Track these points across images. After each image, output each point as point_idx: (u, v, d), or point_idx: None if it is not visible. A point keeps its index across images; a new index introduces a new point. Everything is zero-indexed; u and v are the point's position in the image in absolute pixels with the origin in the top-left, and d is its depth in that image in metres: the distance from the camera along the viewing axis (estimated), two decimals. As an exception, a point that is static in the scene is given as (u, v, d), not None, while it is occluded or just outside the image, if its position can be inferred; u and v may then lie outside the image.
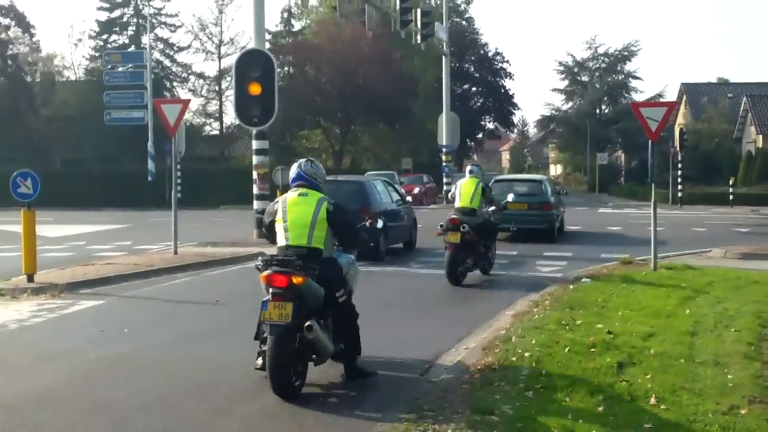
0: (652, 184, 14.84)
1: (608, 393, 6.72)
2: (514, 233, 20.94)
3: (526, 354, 7.84)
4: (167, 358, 8.43)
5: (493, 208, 14.72)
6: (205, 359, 8.35)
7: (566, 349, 7.98)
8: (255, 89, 19.18)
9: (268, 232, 7.70)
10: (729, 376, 7.23)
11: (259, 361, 7.25)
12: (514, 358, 7.77)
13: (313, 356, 7.27)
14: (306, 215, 7.31)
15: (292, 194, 7.50)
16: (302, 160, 7.80)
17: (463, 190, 14.00)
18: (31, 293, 12.47)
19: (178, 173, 39.91)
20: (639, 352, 7.97)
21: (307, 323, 6.90)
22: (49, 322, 10.50)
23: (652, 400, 6.53)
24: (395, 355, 8.51)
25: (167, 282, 14.01)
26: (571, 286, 12.34)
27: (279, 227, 7.42)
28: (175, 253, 17.00)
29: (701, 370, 7.42)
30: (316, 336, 6.95)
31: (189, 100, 20.86)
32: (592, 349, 8.03)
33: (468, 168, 14.92)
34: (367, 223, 8.90)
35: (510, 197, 17.32)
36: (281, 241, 7.39)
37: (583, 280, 13.02)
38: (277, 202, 7.59)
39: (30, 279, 13.10)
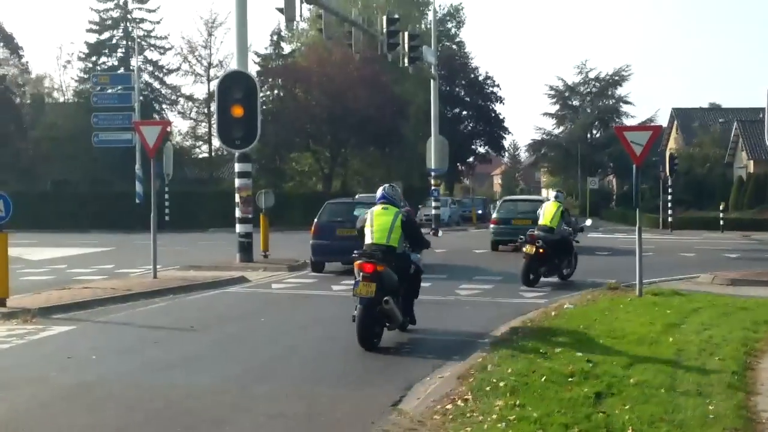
0: (637, 209, 14.61)
1: (584, 426, 6.45)
2: (517, 246, 21.85)
3: (502, 383, 7.58)
4: (131, 386, 8.15)
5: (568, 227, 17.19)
6: (170, 388, 8.07)
7: (543, 379, 7.72)
8: (237, 111, 18.98)
9: (359, 234, 10.65)
10: (711, 407, 6.97)
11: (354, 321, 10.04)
12: (488, 388, 7.51)
13: (387, 324, 10.19)
14: (387, 222, 10.31)
15: (377, 207, 10.56)
16: (386, 185, 11.16)
17: (546, 210, 16.86)
18: (2, 318, 12.15)
19: (166, 196, 40.34)
20: (619, 382, 7.70)
21: (385, 298, 9.82)
22: (15, 348, 10.20)
23: (629, 432, 6.28)
24: (366, 384, 8.26)
25: (144, 307, 13.70)
26: (553, 313, 12.09)
27: (368, 230, 10.38)
28: (155, 276, 16.71)
29: (682, 401, 7.16)
30: (390, 308, 9.92)
31: (170, 122, 20.79)
32: (570, 379, 7.77)
33: (553, 193, 18.29)
34: (432, 233, 12.13)
35: (588, 222, 20.85)
36: (368, 239, 10.32)
37: (566, 306, 12.76)
38: (367, 213, 10.61)
39: (2, 303, 12.78)
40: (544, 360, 8.55)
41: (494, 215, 26.82)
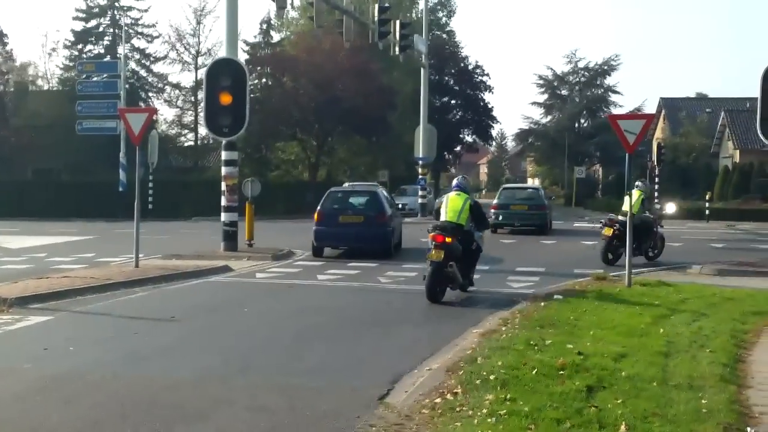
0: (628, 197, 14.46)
1: (576, 420, 6.26)
2: (514, 229, 28.00)
3: (491, 377, 7.38)
4: (109, 378, 7.92)
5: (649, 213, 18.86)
6: (149, 380, 7.84)
7: (534, 372, 7.53)
8: (225, 99, 18.67)
9: (435, 213, 14.33)
10: (703, 401, 6.80)
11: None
12: (478, 381, 7.31)
13: (450, 284, 12.88)
14: (458, 205, 13.21)
15: (452, 193, 13.54)
16: (460, 177, 14.33)
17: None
18: (-23, 308, 11.85)
19: (150, 184, 39.95)
20: (610, 375, 7.53)
21: (450, 263, 12.60)
22: (-9, 338, 9.95)
23: (622, 428, 6.08)
24: (352, 376, 8.05)
25: (123, 297, 13.42)
26: (542, 303, 11.90)
27: (443, 210, 13.33)
28: (137, 266, 16.43)
29: (675, 394, 6.99)
30: (453, 271, 12.70)
31: (155, 109, 20.53)
32: (561, 372, 7.58)
33: (637, 183, 18.55)
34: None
35: (671, 208, 23.63)
36: (443, 217, 13.22)
37: (555, 296, 12.59)
38: (443, 197, 13.86)
39: (-23, 293, 12.50)
40: (534, 352, 8.35)
41: (495, 201, 29.38)
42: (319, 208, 20.39)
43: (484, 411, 6.49)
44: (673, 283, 14.10)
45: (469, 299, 13.31)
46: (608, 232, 17.77)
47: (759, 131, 17.19)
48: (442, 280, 12.71)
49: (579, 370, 7.68)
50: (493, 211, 28.05)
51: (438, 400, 6.96)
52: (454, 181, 14.12)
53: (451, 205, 13.21)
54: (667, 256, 19.61)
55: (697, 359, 8.29)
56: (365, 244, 19.89)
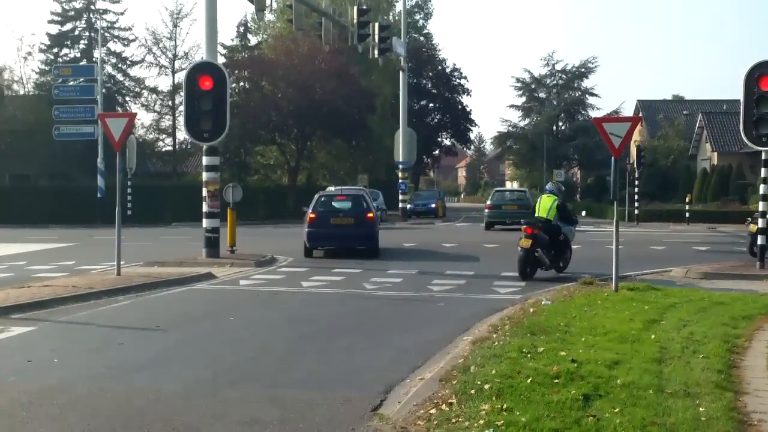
0: (615, 202, 14.40)
1: (575, 430, 6.19)
2: (506, 227, 31.95)
3: (486, 386, 7.28)
4: (96, 391, 7.74)
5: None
6: (137, 393, 7.67)
7: (528, 380, 7.43)
8: (206, 84, 18.42)
9: (533, 210, 17.98)
10: (701, 409, 6.74)
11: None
12: (473, 391, 7.20)
13: (539, 267, 16.39)
14: (547, 204, 16.78)
15: (545, 195, 17.19)
16: (551, 182, 18.39)
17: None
18: (-44, 319, 11.61)
19: (129, 190, 39.60)
20: (605, 383, 7.45)
21: (537, 249, 16.10)
22: (-28, 351, 9.72)
23: (622, 438, 6.02)
24: (343, 386, 7.92)
25: (107, 305, 13.20)
26: (532, 309, 11.82)
27: (537, 208, 16.99)
28: (118, 273, 16.19)
29: (672, 402, 6.92)
30: (540, 255, 16.19)
31: (135, 114, 20.18)
32: (556, 380, 7.49)
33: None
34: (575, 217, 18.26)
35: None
36: (537, 214, 16.90)
37: (543, 302, 12.51)
38: (539, 198, 17.66)
39: (-44, 303, 12.25)
40: (527, 360, 8.25)
41: (488, 202, 35.17)
42: (310, 211, 21.56)
43: (481, 422, 6.39)
44: (662, 287, 14.08)
45: (456, 304, 13.21)
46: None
47: (742, 134, 17.26)
48: (532, 263, 16.26)
49: (574, 378, 7.59)
50: (487, 210, 33.99)
51: (433, 411, 6.85)
52: (547, 186, 18.08)
53: (542, 204, 16.93)
54: (652, 260, 19.63)
55: (691, 365, 8.23)
56: (356, 243, 21.53)
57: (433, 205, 47.63)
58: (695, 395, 7.14)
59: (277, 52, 51.03)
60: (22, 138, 47.12)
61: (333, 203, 22.56)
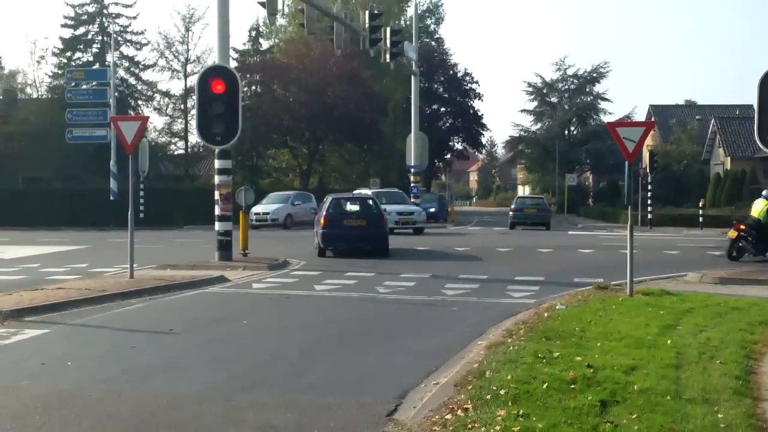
0: (629, 207, 14.30)
1: (592, 437, 6.13)
2: (523, 227, 37.91)
3: (502, 391, 7.22)
4: (111, 395, 7.72)
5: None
6: (151, 397, 7.64)
7: (545, 386, 7.36)
8: (218, 87, 18.42)
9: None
10: (720, 416, 6.67)
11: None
12: (488, 396, 7.14)
13: (746, 254, 20.99)
14: (760, 207, 21.16)
15: (759, 198, 21.66)
16: (766, 190, 21.96)
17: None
18: (-30, 321, 11.61)
19: (141, 192, 39.68)
20: (622, 389, 7.37)
21: (741, 240, 21.12)
22: (-15, 353, 9.72)
23: (641, 445, 5.95)
24: (358, 392, 7.87)
25: (120, 308, 13.20)
26: (546, 314, 11.75)
27: (752, 208, 21.63)
28: (131, 276, 16.19)
29: (690, 409, 6.84)
30: (744, 245, 21.11)
31: (147, 117, 20.18)
32: (573, 386, 7.42)
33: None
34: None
35: None
36: (750, 213, 21.59)
37: (558, 306, 12.43)
38: (754, 202, 22.34)
39: (-29, 305, 12.25)
40: (543, 365, 8.18)
41: (512, 206, 40.46)
42: (324, 213, 22.72)
43: (498, 428, 6.34)
44: (677, 293, 13.96)
45: (470, 309, 13.15)
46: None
47: (757, 139, 17.11)
48: (738, 249, 21.19)
49: (590, 383, 7.53)
50: (511, 213, 39.46)
51: (448, 417, 6.80)
52: (763, 192, 22.05)
53: (755, 207, 21.55)
54: (666, 265, 19.52)
55: (709, 371, 8.14)
56: (368, 244, 22.56)
57: (433, 210, 44.14)
58: (713, 402, 7.07)
59: (288, 56, 51.14)
60: (36, 141, 47.36)
61: (345, 206, 23.72)
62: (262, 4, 22.33)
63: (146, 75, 56.74)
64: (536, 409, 6.74)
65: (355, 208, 23.63)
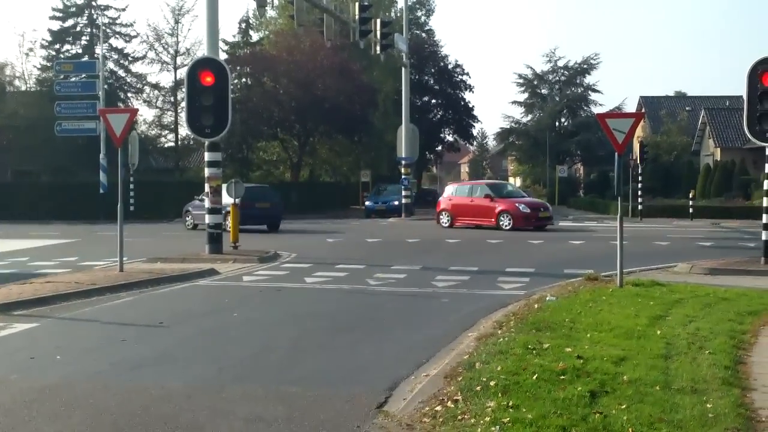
0: (619, 198, 14.32)
1: (581, 428, 6.13)
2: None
3: (492, 383, 7.23)
4: (100, 389, 7.69)
5: None
6: (141, 390, 7.63)
7: (534, 377, 7.38)
8: (208, 80, 18.35)
9: None
10: (708, 405, 6.69)
11: None
12: (478, 388, 7.16)
13: None
14: None
15: None
16: None
17: None
18: (-42, 315, 11.55)
19: (131, 185, 39.56)
20: (612, 379, 7.40)
21: None
22: (-27, 348, 9.68)
23: (630, 435, 5.97)
24: (348, 384, 7.87)
25: (110, 302, 13.17)
26: (536, 305, 11.77)
27: None
28: (121, 270, 16.15)
29: (679, 399, 6.87)
30: None
31: (136, 110, 20.09)
32: (562, 377, 7.44)
33: None
34: None
35: None
36: None
37: (548, 298, 12.45)
38: None
39: (-42, 300, 12.20)
40: (533, 356, 8.20)
41: None
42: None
43: (487, 419, 6.35)
44: (666, 283, 14.01)
45: (460, 300, 13.17)
46: None
47: (746, 130, 17.17)
48: None
49: (580, 374, 7.55)
50: None
51: (438, 408, 6.81)
52: None
53: None
54: (656, 255, 19.56)
55: (698, 361, 8.17)
56: (268, 221, 30.54)
57: (396, 203, 42.06)
58: (702, 392, 7.09)
59: (278, 48, 51.02)
60: (24, 134, 47.18)
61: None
62: (252, -4, 22.28)
63: (135, 67, 56.57)
64: (526, 400, 6.75)
65: (262, 194, 31.61)
